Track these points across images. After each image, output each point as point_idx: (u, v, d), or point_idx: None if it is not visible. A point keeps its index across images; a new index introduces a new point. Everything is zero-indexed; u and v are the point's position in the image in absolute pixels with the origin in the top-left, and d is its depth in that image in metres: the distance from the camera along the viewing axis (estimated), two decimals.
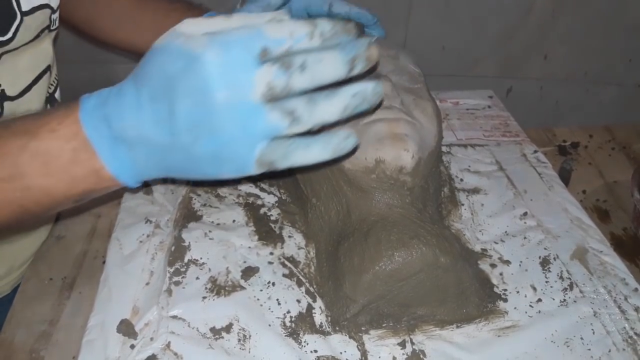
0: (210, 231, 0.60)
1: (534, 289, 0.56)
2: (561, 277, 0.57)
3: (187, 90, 0.37)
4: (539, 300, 0.55)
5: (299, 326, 0.52)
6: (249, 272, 0.56)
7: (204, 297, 0.54)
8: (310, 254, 0.59)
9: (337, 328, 0.52)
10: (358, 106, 0.39)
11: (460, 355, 0.50)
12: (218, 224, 0.62)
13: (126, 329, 0.50)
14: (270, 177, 0.66)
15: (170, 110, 0.38)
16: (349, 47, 0.38)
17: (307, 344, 0.50)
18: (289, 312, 0.53)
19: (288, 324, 0.52)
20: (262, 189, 0.66)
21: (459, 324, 0.52)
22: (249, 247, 0.59)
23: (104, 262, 0.58)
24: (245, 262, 0.57)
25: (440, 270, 0.50)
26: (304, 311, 0.53)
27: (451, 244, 0.52)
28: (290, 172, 0.62)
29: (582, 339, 0.51)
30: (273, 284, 0.55)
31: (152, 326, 0.51)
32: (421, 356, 0.50)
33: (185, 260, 0.57)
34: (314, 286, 0.55)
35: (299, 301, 0.54)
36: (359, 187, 0.54)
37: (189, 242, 0.59)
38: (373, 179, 0.53)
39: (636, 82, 1.22)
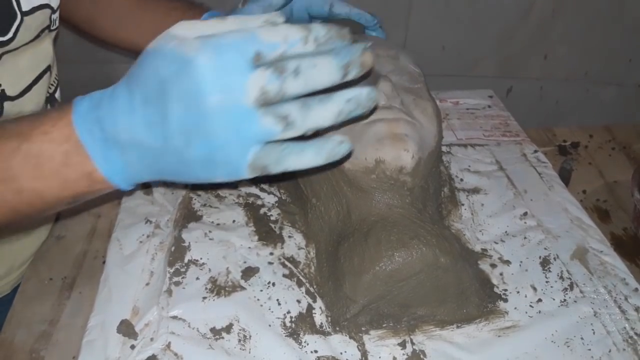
0: (210, 231, 0.60)
1: (534, 289, 0.56)
2: (561, 277, 0.57)
3: (179, 94, 0.37)
4: (539, 300, 0.55)
5: (299, 326, 0.52)
6: (249, 272, 0.56)
7: (204, 298, 0.54)
8: (311, 254, 0.58)
9: (338, 328, 0.52)
10: (352, 111, 0.39)
11: (460, 355, 0.50)
12: (218, 224, 0.62)
13: (126, 329, 0.50)
14: (271, 180, 0.66)
15: (163, 114, 0.38)
16: (344, 52, 0.38)
17: (308, 344, 0.50)
18: (289, 312, 0.53)
19: (288, 324, 0.52)
20: (262, 189, 0.66)
21: (459, 324, 0.52)
22: (249, 248, 0.59)
23: (104, 262, 0.58)
24: (245, 262, 0.57)
25: (440, 270, 0.50)
26: (304, 311, 0.53)
27: (451, 244, 0.52)
28: (291, 175, 0.62)
29: (582, 339, 0.51)
30: (273, 284, 0.55)
31: (152, 326, 0.51)
32: (421, 356, 0.50)
33: (186, 260, 0.57)
34: (314, 286, 0.55)
35: (299, 301, 0.54)
36: (359, 187, 0.54)
37: (189, 243, 0.59)
38: (373, 179, 0.53)
39: (636, 82, 1.22)
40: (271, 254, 0.58)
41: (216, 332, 0.51)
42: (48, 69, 0.66)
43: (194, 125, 0.37)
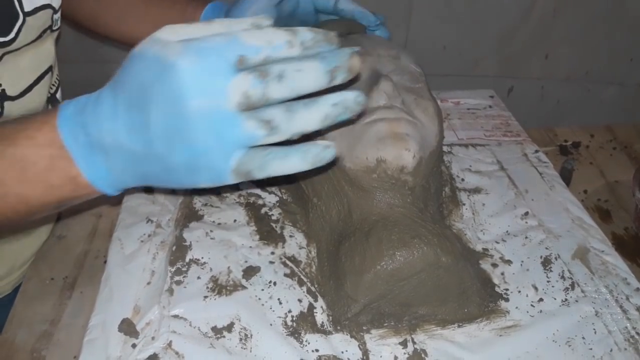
0: (211, 231, 0.60)
1: (536, 288, 0.56)
2: (562, 277, 0.57)
3: (161, 99, 0.36)
4: (541, 299, 0.55)
5: (301, 325, 0.52)
6: (250, 271, 0.56)
7: (206, 297, 0.54)
8: (312, 253, 0.59)
9: (339, 327, 0.52)
10: (339, 115, 0.38)
11: (461, 354, 0.50)
12: (219, 224, 0.62)
13: (127, 328, 0.50)
14: (271, 183, 0.66)
15: (145, 119, 0.37)
16: (330, 56, 0.37)
17: (309, 343, 0.50)
18: (290, 311, 0.53)
19: (289, 323, 0.52)
20: (263, 189, 0.66)
21: (461, 324, 0.52)
22: (250, 247, 0.59)
23: (105, 262, 0.58)
24: (246, 261, 0.57)
25: (441, 269, 0.50)
26: (305, 310, 0.53)
27: (452, 243, 0.52)
28: (291, 179, 0.62)
29: (583, 338, 0.51)
30: (274, 283, 0.55)
31: (154, 325, 0.51)
32: (422, 355, 0.50)
33: (187, 259, 0.57)
34: (315, 286, 0.55)
35: (300, 301, 0.54)
36: (360, 186, 0.54)
37: (190, 242, 0.59)
38: (374, 178, 0.53)
39: (637, 82, 1.22)
40: (272, 253, 0.58)
41: (217, 331, 0.51)
42: (50, 69, 0.66)
43: (176, 130, 0.37)
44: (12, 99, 0.61)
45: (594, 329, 0.52)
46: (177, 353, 0.49)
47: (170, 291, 0.54)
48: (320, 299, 0.54)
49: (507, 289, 0.56)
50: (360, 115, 0.41)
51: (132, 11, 0.72)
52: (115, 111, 0.38)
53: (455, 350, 0.50)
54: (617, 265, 0.59)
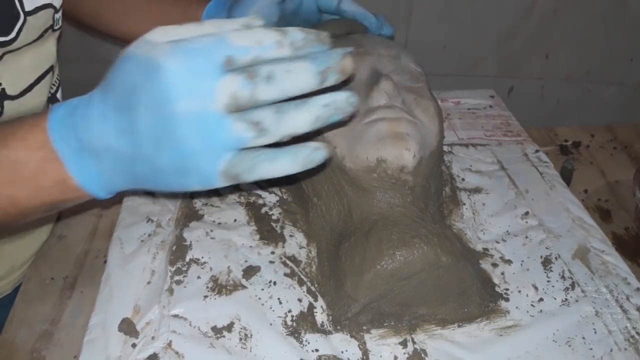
0: (211, 230, 0.60)
1: (536, 288, 0.56)
2: (563, 277, 0.57)
3: (148, 100, 0.36)
4: (541, 299, 0.55)
5: (300, 325, 0.52)
6: (250, 271, 0.56)
7: (206, 296, 0.54)
8: (312, 253, 0.59)
9: (339, 327, 0.52)
10: (330, 117, 0.38)
11: (461, 354, 0.50)
12: (219, 223, 0.62)
13: (127, 328, 0.50)
14: (272, 183, 0.66)
15: (133, 121, 0.37)
16: (321, 57, 0.37)
17: (309, 343, 0.50)
18: (290, 311, 0.53)
19: (289, 323, 0.52)
20: (263, 188, 0.66)
21: (461, 323, 0.52)
22: (250, 247, 0.59)
23: (105, 262, 0.58)
24: (246, 261, 0.57)
25: (441, 269, 0.50)
26: (305, 310, 0.53)
27: (453, 243, 0.52)
28: (291, 179, 0.62)
29: (583, 338, 0.51)
30: (274, 283, 0.55)
31: (154, 325, 0.51)
32: (422, 355, 0.50)
33: (187, 259, 0.57)
34: (315, 285, 0.55)
35: (300, 300, 0.54)
36: (360, 186, 0.54)
37: (191, 242, 0.59)
38: (374, 178, 0.53)
39: (638, 82, 1.22)
40: (272, 253, 0.58)
41: (217, 331, 0.51)
42: (50, 69, 0.66)
43: (163, 132, 0.36)
44: (12, 98, 0.61)
45: (594, 329, 0.52)
46: (177, 353, 0.49)
47: (170, 291, 0.54)
48: (320, 299, 0.54)
49: (507, 289, 0.56)
50: (353, 117, 0.41)
51: (133, 9, 0.72)
52: (105, 113, 0.38)
53: (455, 350, 0.50)
54: (618, 265, 0.59)
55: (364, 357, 0.50)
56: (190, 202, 0.64)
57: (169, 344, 0.49)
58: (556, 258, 0.59)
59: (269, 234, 0.61)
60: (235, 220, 0.62)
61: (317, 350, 0.50)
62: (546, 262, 0.59)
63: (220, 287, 0.54)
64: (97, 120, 0.38)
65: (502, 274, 0.57)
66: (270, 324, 0.51)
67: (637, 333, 0.52)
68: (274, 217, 0.63)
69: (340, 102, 0.38)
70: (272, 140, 0.37)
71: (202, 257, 0.57)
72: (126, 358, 0.48)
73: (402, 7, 1.13)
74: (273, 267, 0.57)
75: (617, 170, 0.81)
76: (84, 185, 0.40)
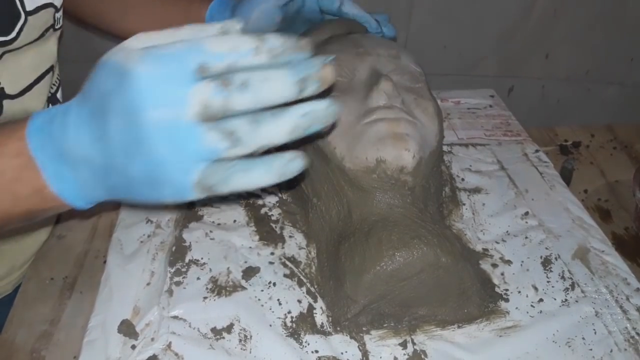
0: (211, 231, 0.60)
1: (536, 288, 0.56)
2: (563, 277, 0.57)
3: (118, 108, 0.35)
4: (541, 300, 0.55)
5: (300, 326, 0.52)
6: (249, 272, 0.56)
7: (205, 298, 0.54)
8: (311, 254, 0.58)
9: (338, 328, 0.52)
10: (309, 127, 0.36)
11: (461, 355, 0.50)
12: (219, 224, 0.62)
13: (127, 329, 0.50)
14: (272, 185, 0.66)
15: (105, 129, 0.36)
16: (300, 66, 0.35)
17: (308, 344, 0.50)
18: (289, 312, 0.53)
19: (289, 324, 0.52)
20: (262, 189, 0.66)
21: (460, 324, 0.52)
22: (250, 247, 0.59)
23: (104, 262, 0.58)
24: (246, 262, 0.57)
25: (441, 270, 0.50)
26: (305, 311, 0.53)
27: (452, 243, 0.52)
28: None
29: (583, 339, 0.51)
30: (274, 284, 0.55)
31: (153, 326, 0.51)
32: (422, 356, 0.50)
33: (186, 260, 0.57)
34: (315, 286, 0.55)
35: (299, 301, 0.54)
36: (360, 187, 0.53)
37: (190, 242, 0.59)
38: (374, 178, 0.53)
39: (638, 81, 1.22)
40: (272, 253, 0.58)
41: (217, 332, 0.51)
42: (51, 69, 0.66)
43: (134, 141, 0.35)
44: (12, 97, 0.60)
45: (594, 330, 0.52)
46: (176, 354, 0.49)
47: (170, 292, 0.54)
48: (319, 300, 0.54)
49: (507, 289, 0.56)
50: (332, 127, 0.39)
51: (135, 8, 0.71)
52: (80, 121, 0.37)
53: (455, 350, 0.50)
54: (617, 265, 0.59)
55: (364, 358, 0.49)
56: (190, 203, 0.64)
57: (169, 346, 0.49)
58: (556, 258, 0.59)
59: (268, 234, 0.60)
60: (234, 221, 0.62)
61: (316, 352, 0.50)
62: (546, 263, 0.58)
63: (219, 288, 0.54)
64: (73, 128, 0.37)
65: (502, 274, 0.57)
66: (270, 325, 0.51)
67: (637, 333, 0.52)
68: (273, 218, 0.63)
69: (320, 111, 0.36)
70: (247, 151, 0.36)
71: (202, 258, 0.57)
72: (125, 359, 0.48)
73: (402, 7, 1.12)
74: (273, 268, 0.57)
75: (617, 170, 0.81)
76: (61, 195, 0.39)
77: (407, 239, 0.50)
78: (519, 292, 0.56)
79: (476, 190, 0.68)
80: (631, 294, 0.56)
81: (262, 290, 0.55)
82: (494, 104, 0.85)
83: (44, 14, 0.59)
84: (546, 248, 0.60)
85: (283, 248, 0.59)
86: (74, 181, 0.39)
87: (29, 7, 0.57)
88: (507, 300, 0.55)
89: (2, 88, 0.59)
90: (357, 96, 0.56)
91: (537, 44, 1.17)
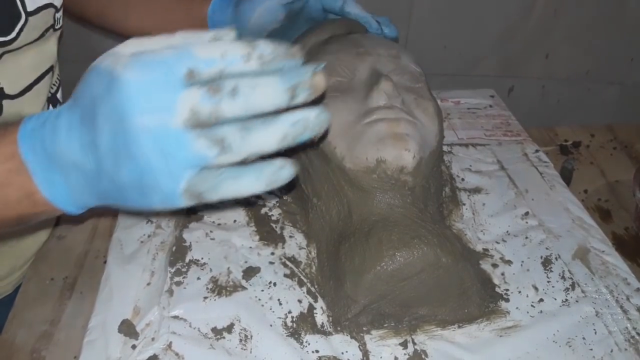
0: (211, 231, 0.60)
1: (536, 288, 0.56)
2: (563, 277, 0.57)
3: (107, 113, 0.35)
4: (541, 300, 0.55)
5: (301, 326, 0.52)
6: (250, 272, 0.56)
7: (205, 298, 0.54)
8: (312, 254, 0.58)
9: (339, 328, 0.52)
10: (300, 135, 0.36)
11: (461, 355, 0.50)
12: (219, 224, 0.62)
13: (127, 329, 0.50)
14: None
15: (94, 135, 0.36)
16: (291, 73, 0.35)
17: (309, 344, 0.50)
18: (290, 312, 0.53)
19: (289, 324, 0.52)
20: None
21: (461, 324, 0.52)
22: (250, 247, 0.59)
23: (105, 262, 0.58)
24: (246, 262, 0.57)
25: (441, 270, 0.50)
26: (305, 311, 0.53)
27: (453, 243, 0.52)
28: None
29: (584, 339, 0.51)
30: (274, 284, 0.55)
31: (154, 326, 0.51)
32: (423, 356, 0.50)
33: (187, 260, 0.57)
34: (315, 286, 0.55)
35: (300, 301, 0.54)
36: (360, 187, 0.53)
37: (190, 242, 0.59)
38: (374, 178, 0.53)
39: (638, 81, 1.22)
40: (272, 253, 0.58)
41: (217, 332, 0.51)
42: (51, 69, 0.66)
43: (122, 147, 0.35)
44: (11, 97, 0.61)
45: (595, 330, 0.52)
46: (177, 354, 0.49)
47: (170, 292, 0.54)
48: (320, 300, 0.54)
49: (507, 289, 0.56)
50: (324, 136, 0.38)
51: (137, 7, 0.71)
52: (71, 127, 0.37)
53: (455, 350, 0.50)
54: (618, 265, 0.59)
55: (364, 358, 0.49)
56: (189, 209, 0.64)
57: (169, 345, 0.49)
58: (556, 258, 0.59)
59: (268, 234, 0.60)
60: (235, 221, 0.62)
61: (317, 351, 0.50)
62: (546, 263, 0.58)
63: (220, 288, 0.54)
64: (64, 133, 0.37)
65: (502, 274, 0.57)
66: (271, 325, 0.51)
67: (638, 333, 0.52)
68: (273, 218, 0.63)
69: (311, 119, 0.36)
70: (236, 159, 0.36)
71: (202, 258, 0.57)
72: (126, 359, 0.48)
73: (402, 7, 1.13)
74: (273, 268, 0.57)
75: (617, 170, 0.81)
76: (52, 200, 0.39)
77: (407, 239, 0.50)
78: (519, 292, 0.56)
79: (476, 190, 0.68)
80: (631, 294, 0.56)
81: (263, 290, 0.55)
82: (494, 104, 0.85)
83: (44, 14, 0.59)
84: (546, 248, 0.60)
85: (283, 248, 0.59)
86: (65, 186, 0.39)
87: (29, 8, 0.57)
88: (507, 300, 0.55)
89: (2, 88, 0.59)
90: (357, 96, 0.56)
91: (537, 44, 1.17)
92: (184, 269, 0.56)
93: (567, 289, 0.56)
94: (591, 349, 0.50)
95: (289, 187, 0.62)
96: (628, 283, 0.57)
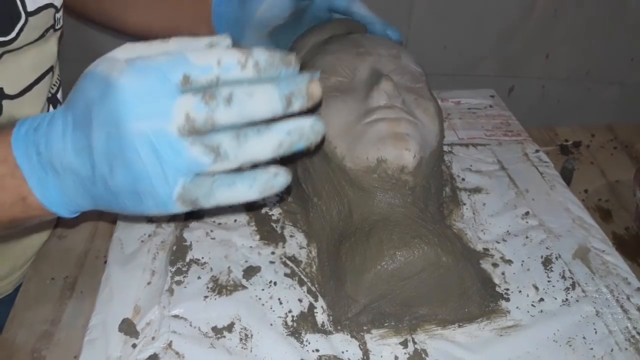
0: (211, 231, 0.60)
1: (536, 288, 0.56)
2: (563, 277, 0.57)
3: (102, 119, 0.35)
4: (541, 299, 0.55)
5: (301, 325, 0.52)
6: (250, 271, 0.56)
7: (206, 297, 0.54)
8: (312, 253, 0.58)
9: (339, 327, 0.52)
10: (294, 144, 0.36)
11: (462, 354, 0.50)
12: (219, 224, 0.62)
13: (128, 328, 0.50)
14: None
15: (88, 140, 0.36)
16: (286, 81, 0.35)
17: (309, 343, 0.50)
18: (290, 311, 0.53)
19: (290, 323, 0.52)
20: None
21: (461, 324, 0.52)
22: (251, 247, 0.59)
23: (105, 262, 0.58)
24: (246, 261, 0.57)
25: (442, 269, 0.50)
26: (306, 310, 0.53)
27: (453, 243, 0.52)
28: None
29: (584, 338, 0.51)
30: (275, 283, 0.55)
31: (154, 325, 0.51)
32: (423, 355, 0.50)
33: (187, 259, 0.57)
34: (316, 285, 0.55)
35: (300, 300, 0.54)
36: (361, 186, 0.53)
37: (191, 242, 0.59)
38: (374, 178, 0.53)
39: (638, 81, 1.22)
40: (273, 253, 0.58)
41: (218, 331, 0.51)
42: (51, 69, 0.66)
43: (116, 153, 0.35)
44: (11, 97, 0.61)
45: (595, 329, 0.52)
46: (177, 353, 0.49)
47: (171, 291, 0.54)
48: (320, 299, 0.54)
49: (507, 289, 0.56)
50: (320, 145, 0.39)
51: (137, 2, 0.71)
52: (65, 131, 0.37)
53: (455, 350, 0.50)
54: (618, 265, 0.59)
55: (365, 358, 0.49)
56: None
57: (169, 345, 0.49)
58: (557, 258, 0.59)
59: (269, 234, 0.60)
60: (235, 220, 0.62)
61: (317, 351, 0.50)
62: (547, 262, 0.58)
63: (220, 288, 0.54)
64: (57, 138, 0.37)
65: (503, 274, 0.57)
66: (271, 324, 0.51)
67: (638, 333, 0.52)
68: (274, 218, 0.63)
69: (306, 129, 0.36)
70: (231, 167, 0.36)
71: (203, 258, 0.57)
72: (126, 358, 0.48)
73: (402, 7, 1.13)
74: (273, 267, 0.57)
75: (617, 170, 0.81)
76: (45, 203, 0.39)
77: (407, 238, 0.50)
78: (520, 291, 0.56)
79: (477, 190, 0.68)
80: (632, 294, 0.56)
81: (263, 290, 0.55)
82: (494, 104, 0.85)
83: (45, 14, 0.59)
84: (547, 248, 0.60)
85: (284, 247, 0.59)
86: (59, 190, 0.39)
87: (30, 8, 0.57)
88: (507, 299, 0.55)
89: (2, 88, 0.59)
90: (357, 96, 0.56)
91: (537, 44, 1.17)
92: (184, 268, 0.56)
93: (567, 289, 0.56)
94: (591, 349, 0.50)
95: (288, 190, 0.62)
96: (628, 283, 0.57)
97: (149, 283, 0.55)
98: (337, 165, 0.54)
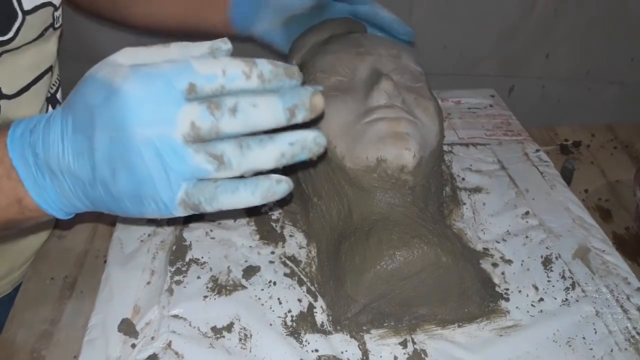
0: (211, 230, 0.60)
1: (536, 288, 0.56)
2: (563, 277, 0.57)
3: (105, 124, 0.35)
4: (541, 299, 0.55)
5: (300, 325, 0.52)
6: (250, 271, 0.56)
7: (205, 297, 0.53)
8: (312, 253, 0.58)
9: (339, 327, 0.51)
10: (296, 155, 0.37)
11: (461, 354, 0.50)
12: (219, 223, 0.62)
13: (127, 328, 0.50)
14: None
15: (90, 144, 0.36)
16: (290, 93, 0.36)
17: (308, 343, 0.50)
18: (290, 311, 0.53)
19: (289, 323, 0.52)
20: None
21: (461, 324, 0.52)
22: (250, 247, 0.59)
23: (105, 262, 0.58)
24: (246, 261, 0.57)
25: (442, 269, 0.50)
26: (305, 310, 0.53)
27: (453, 243, 0.52)
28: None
29: (584, 338, 0.51)
30: (274, 283, 0.55)
31: (153, 325, 0.51)
32: (422, 355, 0.50)
33: (187, 259, 0.57)
34: (315, 285, 0.55)
35: (300, 300, 0.54)
36: (360, 186, 0.53)
37: (190, 242, 0.59)
38: (374, 178, 0.53)
39: (638, 81, 1.22)
40: (272, 253, 0.58)
41: (217, 331, 0.51)
42: (50, 69, 0.66)
43: (119, 158, 0.36)
44: (9, 97, 0.60)
45: (595, 329, 0.52)
46: (176, 353, 0.49)
47: (170, 291, 0.54)
48: (320, 299, 0.54)
49: (507, 289, 0.56)
50: (322, 156, 0.40)
51: None
52: (64, 134, 0.37)
53: (455, 350, 0.50)
54: (618, 264, 0.59)
55: (364, 358, 0.49)
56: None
57: (169, 345, 0.49)
58: (556, 258, 0.59)
59: (268, 234, 0.60)
60: (235, 220, 0.62)
61: (317, 351, 0.50)
62: (546, 262, 0.58)
63: (220, 287, 0.54)
64: (55, 140, 0.38)
65: (503, 273, 0.57)
66: (270, 324, 0.51)
67: (638, 333, 0.52)
68: (273, 217, 0.63)
69: (308, 141, 0.37)
70: (233, 175, 0.36)
71: (202, 257, 0.57)
72: (126, 358, 0.48)
73: (402, 6, 1.12)
74: (273, 267, 0.57)
75: (617, 169, 0.81)
76: (42, 205, 0.39)
77: (407, 238, 0.50)
78: (520, 291, 0.55)
79: (477, 190, 0.68)
80: (632, 294, 0.55)
81: (263, 290, 0.54)
82: (494, 103, 0.85)
83: (43, 13, 0.59)
84: (547, 247, 0.60)
85: (283, 247, 0.59)
86: (55, 192, 0.39)
87: (26, 7, 0.57)
88: (507, 299, 0.55)
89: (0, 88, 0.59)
90: (357, 96, 0.56)
91: (537, 43, 1.17)
92: (184, 268, 0.56)
93: (567, 289, 0.56)
94: (591, 349, 0.50)
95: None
96: (628, 282, 0.57)
97: (148, 283, 0.55)
98: (336, 164, 0.54)
